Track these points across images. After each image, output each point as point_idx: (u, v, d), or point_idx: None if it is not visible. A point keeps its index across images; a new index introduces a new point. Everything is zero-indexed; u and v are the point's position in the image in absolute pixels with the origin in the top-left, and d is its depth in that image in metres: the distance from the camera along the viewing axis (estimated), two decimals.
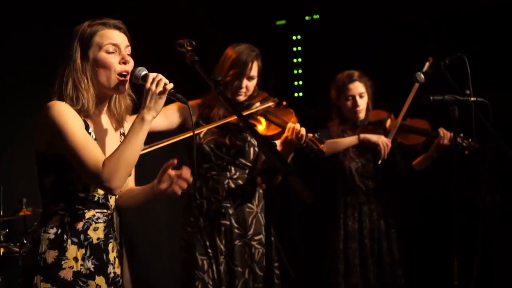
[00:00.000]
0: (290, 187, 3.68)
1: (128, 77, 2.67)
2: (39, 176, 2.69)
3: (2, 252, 4.49)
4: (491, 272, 5.07)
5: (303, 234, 5.92)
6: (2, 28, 4.92)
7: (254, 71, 3.85)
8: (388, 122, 4.57)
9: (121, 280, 2.83)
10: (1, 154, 4.89)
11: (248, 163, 3.90)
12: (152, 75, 2.60)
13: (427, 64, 4.35)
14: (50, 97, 2.65)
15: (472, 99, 3.77)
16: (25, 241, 4.42)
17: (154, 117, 2.60)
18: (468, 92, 3.82)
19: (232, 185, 3.86)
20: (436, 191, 5.29)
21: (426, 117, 4.63)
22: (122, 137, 2.82)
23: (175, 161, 2.77)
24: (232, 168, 3.87)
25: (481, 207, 3.84)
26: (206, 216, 3.84)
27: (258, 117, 3.86)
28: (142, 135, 2.58)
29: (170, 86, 2.59)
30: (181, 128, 3.82)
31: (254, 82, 3.89)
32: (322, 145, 3.84)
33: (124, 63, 2.66)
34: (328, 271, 4.62)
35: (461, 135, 4.41)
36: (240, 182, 3.88)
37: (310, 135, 3.80)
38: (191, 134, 3.41)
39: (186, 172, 2.78)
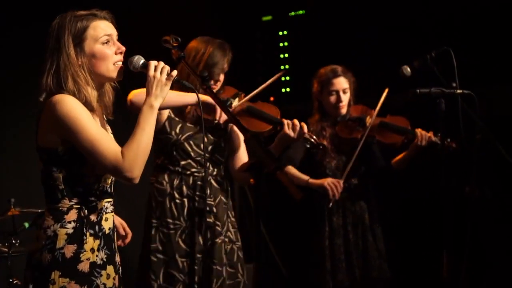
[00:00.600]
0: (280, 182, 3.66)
1: (122, 66, 2.72)
2: (46, 173, 2.67)
3: None
4: (481, 265, 5.09)
5: (293, 232, 5.92)
6: None
7: (227, 64, 3.85)
8: (368, 119, 4.55)
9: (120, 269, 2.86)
10: None
11: (222, 159, 3.88)
12: (153, 63, 2.67)
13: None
14: (47, 93, 2.63)
15: (459, 91, 3.78)
16: (13, 241, 4.39)
17: (161, 103, 2.67)
18: (454, 85, 3.83)
19: (213, 183, 3.83)
20: (425, 185, 5.30)
21: (408, 113, 4.62)
22: (108, 126, 2.86)
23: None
24: (210, 165, 3.82)
25: (470, 201, 3.85)
26: (189, 215, 3.76)
27: (241, 114, 3.82)
28: (153, 122, 2.65)
29: (174, 73, 2.67)
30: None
31: (223, 75, 3.86)
32: (320, 139, 3.83)
33: (121, 52, 2.73)
34: (315, 268, 4.61)
35: (438, 134, 4.41)
36: (219, 178, 3.86)
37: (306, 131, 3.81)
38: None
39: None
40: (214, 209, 3.80)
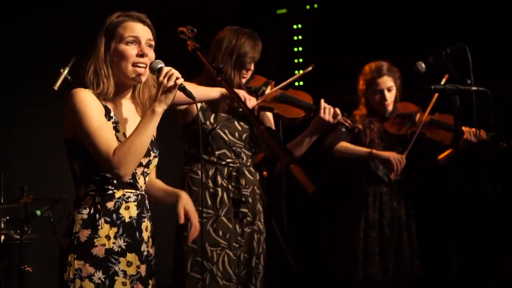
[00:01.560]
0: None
1: (144, 70, 2.79)
2: (69, 162, 2.83)
3: (3, 240, 4.49)
4: (490, 261, 5.07)
5: (308, 225, 5.92)
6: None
7: (258, 52, 3.87)
8: (418, 116, 4.55)
9: (153, 260, 2.92)
10: (2, 141, 4.89)
11: (258, 148, 3.89)
12: (166, 69, 2.71)
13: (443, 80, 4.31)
14: (75, 85, 2.82)
15: (473, 88, 3.76)
16: (25, 228, 4.42)
17: (164, 109, 2.71)
18: (469, 81, 3.81)
19: (246, 173, 3.82)
20: (439, 180, 5.28)
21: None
22: None
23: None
24: (244, 155, 3.83)
25: (482, 196, 3.84)
26: (221, 205, 3.77)
27: (273, 102, 3.84)
28: (152, 127, 2.70)
29: (180, 80, 2.69)
30: (187, 115, 3.80)
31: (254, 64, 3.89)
32: (357, 124, 3.83)
33: (142, 55, 2.78)
34: (345, 259, 4.62)
35: (490, 133, 4.38)
36: (252, 169, 3.85)
37: (340, 115, 3.81)
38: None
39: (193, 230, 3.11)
40: (250, 200, 3.80)
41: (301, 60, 6.49)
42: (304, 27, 6.50)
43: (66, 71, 3.86)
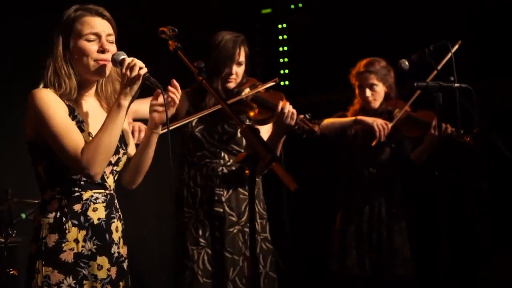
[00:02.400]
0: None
1: (106, 62, 2.70)
2: (33, 164, 2.74)
3: None
4: (477, 257, 5.09)
5: (303, 220, 5.92)
6: None
7: (242, 57, 3.86)
8: (396, 111, 4.56)
9: (126, 261, 2.86)
10: None
11: (241, 150, 3.89)
12: (128, 60, 2.64)
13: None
14: (36, 85, 2.71)
15: (456, 85, 3.78)
16: (10, 232, 4.40)
17: (131, 102, 2.64)
18: (452, 78, 3.82)
19: (226, 172, 3.84)
20: (424, 177, 5.29)
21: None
22: None
23: (159, 90, 2.77)
24: (225, 155, 3.86)
25: (468, 194, 3.85)
26: (200, 204, 3.83)
27: (251, 103, 3.85)
28: (120, 121, 2.63)
29: (143, 70, 2.62)
30: (173, 117, 3.79)
31: (243, 68, 3.89)
32: (314, 125, 3.82)
33: (102, 51, 2.70)
34: (326, 253, 4.65)
35: (461, 131, 4.40)
36: (233, 168, 3.87)
37: (301, 116, 3.77)
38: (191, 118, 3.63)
39: (173, 82, 2.84)
40: (223, 199, 3.82)
41: (286, 59, 6.49)
42: (289, 27, 6.50)
43: None
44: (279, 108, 3.69)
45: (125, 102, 2.62)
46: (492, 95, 5.16)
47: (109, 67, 2.73)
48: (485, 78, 5.00)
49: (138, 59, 2.67)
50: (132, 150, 2.96)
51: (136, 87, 2.62)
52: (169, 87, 2.87)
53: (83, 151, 2.58)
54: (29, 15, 4.97)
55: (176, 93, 2.87)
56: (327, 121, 4.52)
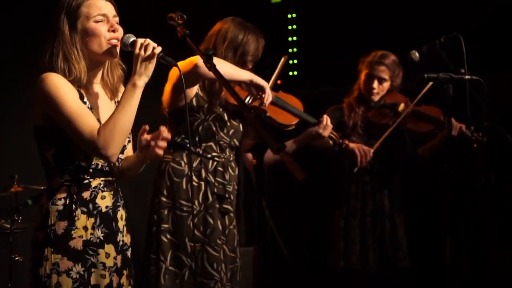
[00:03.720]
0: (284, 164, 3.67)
1: (118, 42, 2.68)
2: (40, 151, 2.72)
3: None
4: (482, 252, 5.07)
5: (301, 214, 5.92)
6: None
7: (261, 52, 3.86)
8: (401, 106, 4.53)
9: (129, 249, 2.84)
10: None
11: (238, 145, 3.85)
12: (140, 41, 2.62)
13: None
14: (41, 71, 2.66)
15: (467, 77, 3.74)
16: (16, 218, 4.40)
17: (146, 82, 2.62)
18: (463, 71, 3.79)
19: (230, 168, 3.78)
20: (431, 170, 5.27)
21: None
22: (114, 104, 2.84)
23: (147, 126, 2.75)
24: (227, 150, 3.78)
25: (475, 187, 3.83)
26: (204, 200, 3.68)
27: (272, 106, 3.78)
28: (135, 101, 2.61)
29: (158, 49, 2.61)
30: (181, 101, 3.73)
31: None
32: (344, 140, 3.86)
33: (114, 31, 2.68)
34: (329, 249, 4.63)
35: (472, 128, 4.38)
36: (233, 164, 3.81)
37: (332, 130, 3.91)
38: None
39: (163, 130, 2.74)
40: (232, 196, 3.76)
41: (295, 49, 6.46)
42: (298, 17, 6.47)
43: None
44: (323, 122, 3.85)
45: (140, 82, 2.59)
46: (496, 88, 5.13)
47: (119, 48, 2.71)
48: (489, 71, 4.96)
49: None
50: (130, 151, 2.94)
51: (151, 66, 2.60)
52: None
53: (100, 132, 2.55)
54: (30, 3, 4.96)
55: (165, 143, 2.76)
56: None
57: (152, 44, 2.60)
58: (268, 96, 3.53)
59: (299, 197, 5.73)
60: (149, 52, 2.58)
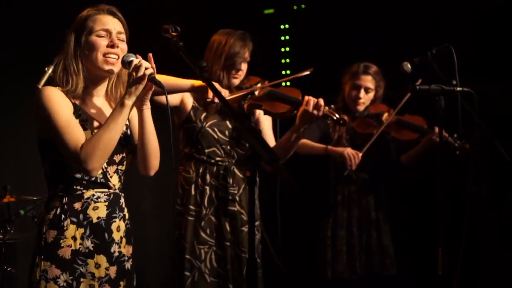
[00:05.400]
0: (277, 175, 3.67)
1: (116, 60, 2.74)
2: (41, 162, 2.80)
3: None
4: (475, 262, 5.08)
5: (293, 224, 5.91)
6: None
7: (248, 54, 3.92)
8: (385, 116, 4.57)
9: (129, 260, 2.88)
10: None
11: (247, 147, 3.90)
12: (135, 61, 2.67)
13: None
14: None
15: (458, 89, 3.77)
16: (9, 228, 4.39)
17: (134, 102, 2.67)
18: (454, 82, 3.82)
19: (236, 171, 3.86)
20: (422, 181, 5.29)
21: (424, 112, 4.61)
22: None
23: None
24: (235, 154, 3.88)
25: (467, 197, 3.84)
26: (210, 203, 3.82)
27: (262, 98, 3.85)
28: (122, 120, 2.66)
29: (149, 71, 2.65)
30: (180, 111, 3.86)
31: (247, 64, 3.92)
32: (342, 114, 3.83)
33: (112, 46, 2.74)
34: (316, 258, 4.64)
35: (455, 135, 4.41)
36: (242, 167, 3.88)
37: (326, 107, 3.81)
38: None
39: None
40: (237, 198, 3.83)
41: (288, 60, 6.49)
42: (291, 28, 6.49)
43: (50, 69, 3.81)
44: (307, 99, 3.72)
45: (128, 101, 2.65)
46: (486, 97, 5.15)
47: (118, 66, 2.77)
48: (479, 80, 4.99)
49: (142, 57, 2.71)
50: None
51: (141, 87, 2.65)
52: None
53: (83, 146, 2.62)
54: (31, 14, 4.96)
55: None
56: (300, 143, 4.50)
57: (145, 65, 2.65)
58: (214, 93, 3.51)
59: (288, 206, 5.72)
60: (140, 73, 2.63)
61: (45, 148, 2.76)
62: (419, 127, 4.57)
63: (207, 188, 3.82)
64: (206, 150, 3.84)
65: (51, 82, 3.26)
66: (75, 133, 2.65)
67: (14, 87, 4.83)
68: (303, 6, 6.41)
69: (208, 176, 3.83)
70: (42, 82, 3.81)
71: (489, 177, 4.80)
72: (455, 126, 4.24)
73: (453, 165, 4.03)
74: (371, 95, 4.64)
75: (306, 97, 3.74)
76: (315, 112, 3.70)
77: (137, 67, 2.64)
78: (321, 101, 3.74)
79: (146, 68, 2.64)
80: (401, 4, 5.67)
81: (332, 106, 3.86)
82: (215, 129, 3.84)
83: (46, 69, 3.83)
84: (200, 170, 3.84)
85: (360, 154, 4.43)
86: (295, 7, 6.44)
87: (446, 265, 3.63)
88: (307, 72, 3.93)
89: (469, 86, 3.79)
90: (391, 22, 5.69)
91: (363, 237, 4.59)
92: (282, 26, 6.52)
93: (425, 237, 4.66)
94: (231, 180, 3.82)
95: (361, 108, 4.64)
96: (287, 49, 6.50)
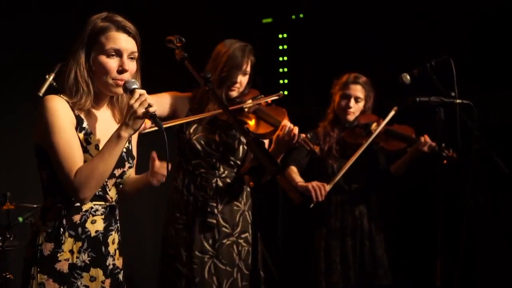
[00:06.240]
0: (279, 186, 3.68)
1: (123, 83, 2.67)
2: (38, 168, 2.73)
3: None
4: (473, 273, 5.10)
5: (289, 235, 5.93)
6: None
7: (248, 67, 3.85)
8: (374, 126, 4.59)
9: (121, 272, 2.86)
10: None
11: (237, 161, 3.87)
12: (138, 92, 2.59)
13: None
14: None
15: (458, 101, 3.80)
16: (8, 235, 4.39)
17: (131, 135, 2.61)
18: (453, 94, 3.85)
19: (220, 184, 3.82)
20: (420, 191, 5.32)
21: (414, 120, 4.63)
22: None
23: (154, 154, 2.80)
24: (221, 166, 3.84)
25: (465, 208, 3.87)
26: (193, 213, 3.81)
27: (249, 115, 3.83)
28: (117, 151, 2.59)
29: (152, 109, 2.57)
30: (170, 118, 3.80)
31: (247, 78, 3.88)
32: (315, 146, 3.82)
33: (122, 71, 2.67)
34: (310, 270, 4.66)
35: (443, 145, 4.43)
36: (228, 180, 3.85)
37: (303, 135, 3.76)
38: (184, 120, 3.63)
39: (162, 166, 2.81)
40: (216, 210, 3.80)
41: (286, 69, 6.52)
42: (289, 37, 6.52)
43: (51, 77, 3.83)
44: (282, 125, 3.66)
45: (125, 134, 2.57)
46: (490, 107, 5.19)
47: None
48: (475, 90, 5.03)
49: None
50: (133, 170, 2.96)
51: (140, 123, 2.58)
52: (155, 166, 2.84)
53: (77, 173, 2.56)
54: (29, 21, 4.97)
55: (161, 168, 2.84)
56: (288, 170, 4.50)
57: (149, 101, 2.57)
58: (218, 104, 3.37)
59: (284, 217, 5.73)
60: (142, 109, 2.55)
61: (43, 156, 2.67)
62: (407, 136, 4.59)
63: (191, 198, 3.82)
64: (193, 161, 3.82)
65: (51, 89, 3.26)
66: (73, 157, 2.59)
67: (14, 93, 4.84)
68: (301, 15, 6.45)
69: (192, 186, 3.82)
70: (43, 90, 3.81)
71: (486, 188, 4.82)
72: (454, 137, 4.28)
73: (451, 176, 4.06)
74: (361, 104, 4.66)
75: (283, 123, 3.67)
76: (289, 139, 3.65)
77: (141, 102, 2.56)
78: (296, 130, 3.66)
79: (149, 105, 2.56)
80: (401, 14, 5.71)
81: (309, 135, 3.84)
82: (202, 142, 3.80)
83: (47, 77, 3.84)
84: (186, 181, 3.84)
85: (328, 186, 4.38)
86: (293, 17, 6.49)
87: (444, 276, 3.65)
88: (276, 97, 3.88)
89: (468, 98, 3.83)
90: (389, 32, 5.72)
91: (357, 247, 4.60)
92: (280, 35, 6.56)
93: (423, 248, 4.69)
94: (211, 192, 3.80)
95: (351, 118, 4.66)
96: (285, 58, 6.54)
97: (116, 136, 2.58)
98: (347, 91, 4.63)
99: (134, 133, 2.60)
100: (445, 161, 4.45)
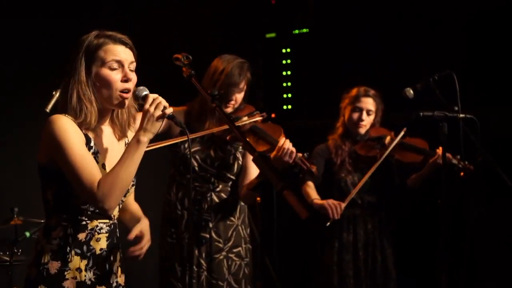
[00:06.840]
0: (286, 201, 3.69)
1: (129, 94, 2.66)
2: (42, 187, 2.70)
3: None
4: (478, 285, 5.12)
5: (293, 249, 5.94)
6: None
7: (244, 83, 3.84)
8: (387, 139, 4.61)
9: None
10: None
11: (232, 176, 3.87)
12: (152, 96, 2.60)
13: None
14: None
15: (461, 115, 3.84)
16: (15, 250, 4.42)
17: (150, 138, 2.60)
18: (456, 108, 3.88)
19: (215, 198, 3.83)
20: (424, 204, 5.33)
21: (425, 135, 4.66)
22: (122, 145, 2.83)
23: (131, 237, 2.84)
24: (216, 181, 3.84)
25: (469, 221, 3.89)
26: (186, 227, 3.81)
27: (245, 132, 3.80)
28: (138, 157, 2.58)
29: (169, 110, 2.58)
30: (163, 135, 3.74)
31: (243, 94, 3.87)
32: (312, 165, 3.83)
33: (126, 81, 2.65)
34: (322, 283, 4.65)
35: (458, 156, 4.45)
36: (223, 195, 3.85)
37: (300, 154, 3.73)
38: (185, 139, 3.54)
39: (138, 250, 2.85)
40: (210, 224, 3.82)
41: (289, 84, 6.56)
42: (292, 51, 6.57)
43: (58, 93, 3.85)
44: (279, 144, 3.63)
45: (144, 138, 2.57)
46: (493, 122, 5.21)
47: (130, 99, 2.69)
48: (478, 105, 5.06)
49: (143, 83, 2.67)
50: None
51: (158, 124, 2.58)
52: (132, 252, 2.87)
53: (99, 185, 2.53)
54: (35, 35, 5.02)
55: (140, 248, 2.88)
56: (304, 185, 4.56)
57: (164, 103, 2.57)
58: (224, 120, 3.39)
59: (290, 231, 5.74)
60: (159, 111, 2.56)
61: (48, 176, 2.65)
62: (422, 149, 4.61)
63: (185, 212, 3.82)
64: (187, 176, 3.82)
65: (57, 107, 3.27)
66: (91, 170, 2.55)
67: (19, 110, 4.87)
68: (304, 30, 6.48)
69: (186, 201, 3.83)
70: (50, 106, 3.82)
71: (489, 202, 4.84)
72: (457, 151, 4.31)
73: (456, 189, 4.08)
74: (372, 117, 4.69)
75: (281, 142, 3.64)
76: (286, 158, 3.63)
77: (157, 104, 2.56)
78: (293, 149, 3.63)
79: (165, 107, 2.56)
80: (404, 29, 5.74)
81: (305, 154, 3.84)
82: (197, 157, 3.81)
83: (54, 93, 3.86)
84: (179, 194, 3.85)
85: (343, 205, 4.42)
86: (296, 31, 6.52)
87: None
88: (260, 118, 3.85)
89: (471, 112, 3.87)
90: (392, 47, 5.76)
91: (369, 261, 4.61)
92: (283, 50, 6.60)
93: (429, 260, 4.71)
94: (205, 206, 3.82)
95: (362, 131, 4.68)
96: (288, 72, 6.57)
97: (136, 141, 2.57)
98: (358, 104, 4.65)
99: (153, 136, 2.59)
100: (462, 173, 4.46)
